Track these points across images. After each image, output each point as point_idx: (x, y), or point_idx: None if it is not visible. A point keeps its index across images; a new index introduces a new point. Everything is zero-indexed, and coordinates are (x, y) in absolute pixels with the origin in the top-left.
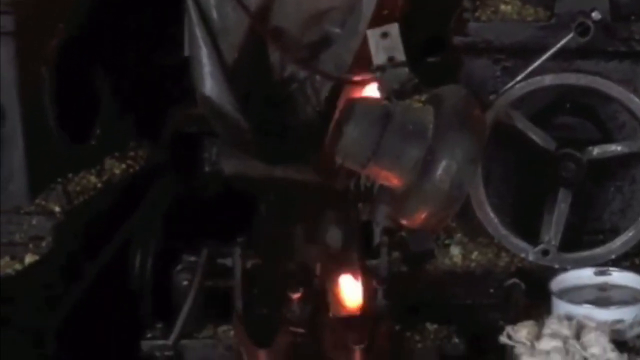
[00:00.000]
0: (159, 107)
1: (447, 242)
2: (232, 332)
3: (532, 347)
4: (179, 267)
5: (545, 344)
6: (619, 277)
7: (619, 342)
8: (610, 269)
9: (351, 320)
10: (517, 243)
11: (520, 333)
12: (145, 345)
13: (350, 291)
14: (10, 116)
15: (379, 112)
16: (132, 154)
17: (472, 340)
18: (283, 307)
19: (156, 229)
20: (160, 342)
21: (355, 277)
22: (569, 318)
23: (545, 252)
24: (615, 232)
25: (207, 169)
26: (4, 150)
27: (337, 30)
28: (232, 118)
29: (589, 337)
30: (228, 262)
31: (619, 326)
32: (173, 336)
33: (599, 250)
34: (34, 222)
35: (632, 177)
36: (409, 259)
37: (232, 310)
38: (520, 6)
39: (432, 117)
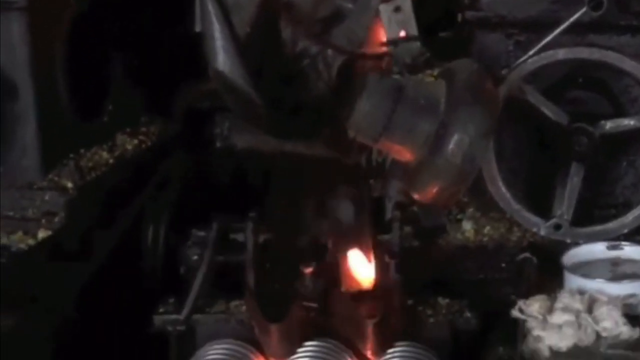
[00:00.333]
0: (170, 82)
1: (459, 217)
2: (244, 307)
3: (544, 321)
4: (189, 242)
5: (558, 318)
6: (631, 251)
7: (631, 316)
8: (623, 243)
9: (363, 295)
10: (529, 217)
11: (532, 307)
12: (158, 319)
13: (361, 266)
14: (22, 92)
15: (391, 87)
16: (143, 129)
17: (484, 314)
18: (295, 282)
19: (168, 204)
20: (173, 316)
21: (367, 252)
22: (581, 292)
23: (557, 227)
24: (627, 207)
25: (219, 144)
26: (17, 126)
27: (349, 4)
28: (244, 93)
29: (601, 311)
30: (240, 237)
31: (631, 300)
32: (185, 311)
33: (611, 225)
34: (46, 197)
35: None
36: (421, 234)
37: (244, 285)
38: None
39: (444, 91)
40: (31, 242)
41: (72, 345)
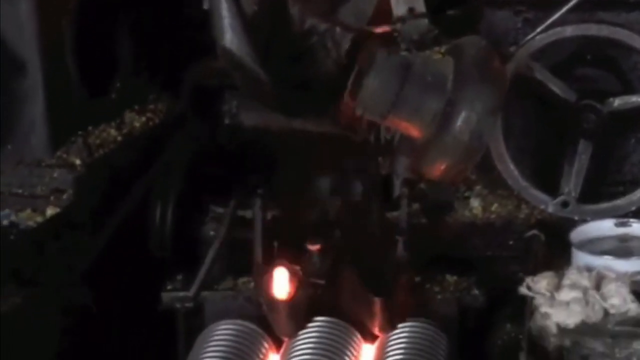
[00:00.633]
0: (178, 60)
1: (467, 194)
2: (252, 284)
3: (552, 298)
4: (207, 217)
5: (565, 294)
6: (639, 228)
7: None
8: (631, 220)
9: (371, 272)
10: (537, 195)
11: (540, 284)
12: (166, 297)
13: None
14: (31, 70)
15: (398, 64)
16: (152, 107)
17: (491, 291)
18: (303, 259)
19: (176, 181)
20: (181, 293)
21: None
22: (589, 269)
23: (565, 204)
24: (635, 184)
25: (227, 121)
26: (25, 103)
27: None
28: (252, 70)
29: (609, 288)
30: (248, 214)
31: (639, 277)
32: (194, 287)
33: (619, 202)
34: (55, 174)
35: None
36: (429, 211)
37: (252, 261)
38: None
39: (452, 68)
40: (40, 219)
41: (80, 322)
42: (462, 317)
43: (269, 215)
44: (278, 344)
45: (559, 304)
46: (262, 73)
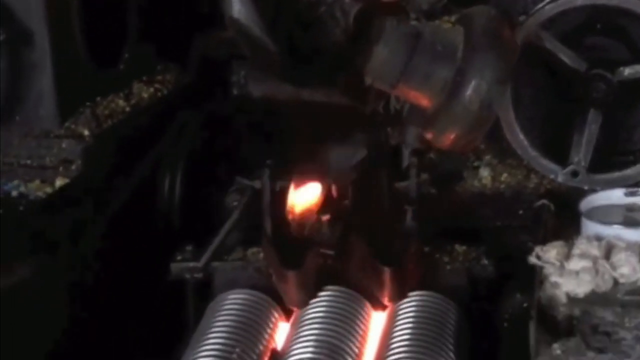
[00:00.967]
0: (187, 30)
1: (476, 164)
2: (261, 254)
3: (562, 267)
4: (232, 188)
5: (575, 264)
6: None
7: None
8: None
9: (380, 242)
10: (546, 164)
11: (549, 254)
12: (175, 267)
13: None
14: (38, 40)
15: (408, 33)
16: (160, 77)
17: (501, 261)
18: (312, 229)
19: (185, 152)
20: (191, 264)
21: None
22: (599, 238)
23: (574, 173)
24: None
25: (235, 92)
26: (33, 74)
27: None
28: (260, 40)
29: (619, 257)
30: (256, 184)
31: None
32: (204, 258)
33: (629, 171)
34: (63, 145)
35: None
36: (438, 181)
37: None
38: None
39: (462, 37)
40: (49, 190)
41: (90, 293)
42: (471, 287)
43: (278, 186)
44: (288, 314)
45: (568, 273)
46: (271, 43)
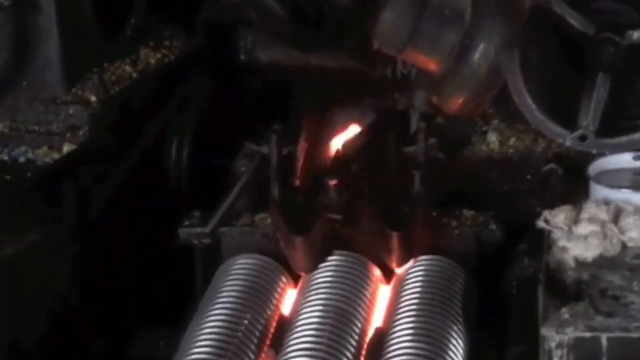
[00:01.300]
0: None
1: (484, 128)
2: (269, 220)
3: (570, 231)
4: (241, 154)
5: (583, 228)
6: None
7: None
8: None
9: (388, 207)
10: (554, 129)
11: (558, 218)
12: (183, 233)
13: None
14: (45, 7)
15: None
16: (167, 43)
17: (509, 226)
18: (320, 194)
19: (192, 117)
20: (199, 229)
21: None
22: (607, 203)
23: (583, 138)
24: None
25: (243, 57)
26: (41, 41)
27: None
28: (268, 5)
29: (627, 221)
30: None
31: None
32: (212, 223)
33: (637, 136)
34: (71, 111)
35: None
36: (446, 146)
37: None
38: None
39: (470, 1)
40: (56, 156)
41: (97, 260)
42: (479, 252)
43: (285, 151)
44: (296, 279)
45: (577, 237)
46: (278, 8)
